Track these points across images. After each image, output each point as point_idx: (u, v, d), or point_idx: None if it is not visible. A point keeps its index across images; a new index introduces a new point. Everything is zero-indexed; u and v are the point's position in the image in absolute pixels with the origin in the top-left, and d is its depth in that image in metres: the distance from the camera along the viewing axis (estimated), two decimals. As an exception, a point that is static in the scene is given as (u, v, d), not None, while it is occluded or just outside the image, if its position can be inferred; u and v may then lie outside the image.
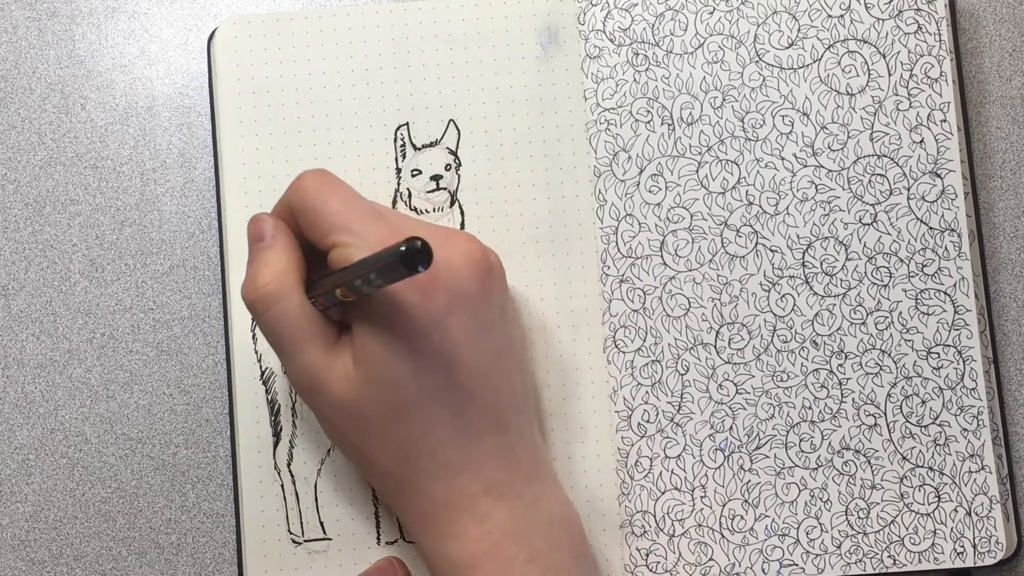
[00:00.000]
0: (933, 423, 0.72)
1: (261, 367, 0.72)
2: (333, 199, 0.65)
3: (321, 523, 0.71)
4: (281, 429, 0.72)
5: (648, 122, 0.74)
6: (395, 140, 0.74)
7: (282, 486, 0.71)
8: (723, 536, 0.72)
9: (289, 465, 0.72)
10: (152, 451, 0.74)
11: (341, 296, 0.63)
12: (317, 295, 0.65)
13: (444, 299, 0.63)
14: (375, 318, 0.63)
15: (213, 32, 0.75)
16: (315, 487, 0.72)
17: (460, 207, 0.73)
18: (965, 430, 0.72)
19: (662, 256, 0.73)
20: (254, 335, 0.72)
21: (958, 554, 0.72)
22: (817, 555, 0.71)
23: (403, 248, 0.57)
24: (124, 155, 0.76)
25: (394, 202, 0.73)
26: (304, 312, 0.65)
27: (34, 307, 0.75)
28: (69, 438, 0.74)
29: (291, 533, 0.71)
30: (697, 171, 0.74)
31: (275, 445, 0.72)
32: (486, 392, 0.65)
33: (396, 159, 0.74)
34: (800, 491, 0.72)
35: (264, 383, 0.72)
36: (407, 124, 0.74)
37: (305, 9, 0.77)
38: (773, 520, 0.72)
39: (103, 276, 0.75)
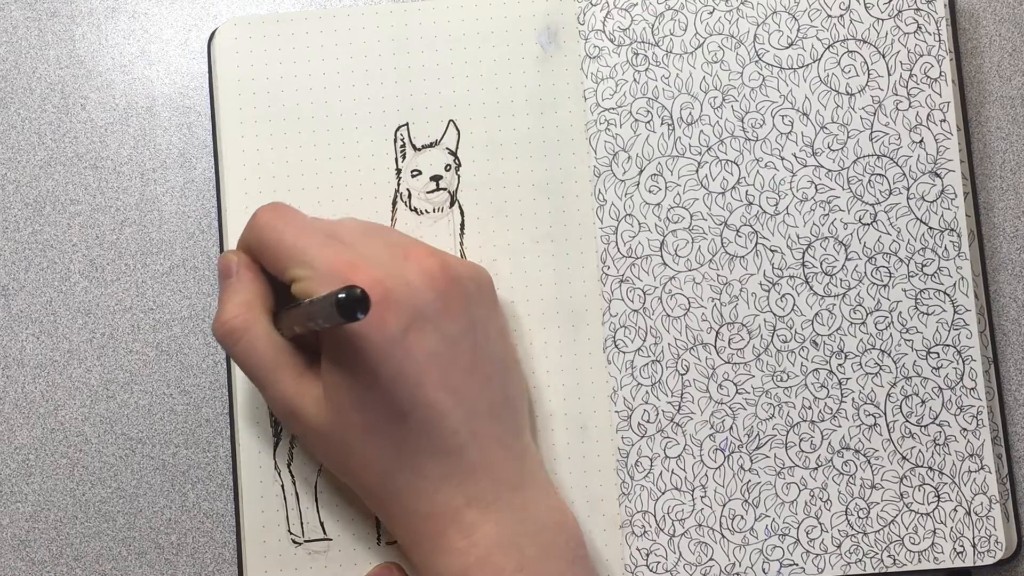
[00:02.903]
0: (933, 423, 0.72)
1: (261, 367, 0.72)
2: (287, 233, 0.66)
3: (321, 523, 0.71)
4: (281, 429, 0.72)
5: (648, 122, 0.74)
6: (395, 140, 0.74)
7: (282, 486, 0.72)
8: (723, 536, 0.72)
9: (289, 465, 0.72)
10: (152, 451, 0.74)
11: (300, 331, 0.65)
12: (280, 328, 0.66)
13: (401, 319, 0.63)
14: (337, 344, 0.63)
15: (213, 32, 0.75)
16: (315, 487, 0.72)
17: (460, 207, 0.73)
18: (964, 430, 0.72)
19: (662, 256, 0.73)
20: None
21: (957, 554, 0.72)
22: (817, 555, 0.71)
23: (341, 296, 0.58)
24: (124, 155, 0.76)
25: (394, 203, 0.73)
26: (272, 342, 0.66)
27: (34, 307, 0.75)
28: (69, 438, 0.74)
29: (291, 533, 0.71)
30: (697, 171, 0.74)
31: (275, 445, 0.72)
32: (459, 406, 0.65)
33: (396, 159, 0.74)
34: (800, 491, 0.72)
35: (264, 383, 0.72)
36: (407, 124, 0.74)
37: (305, 10, 0.77)
38: (773, 520, 0.72)
39: (103, 276, 0.75)
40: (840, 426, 0.72)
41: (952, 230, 0.73)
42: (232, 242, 0.72)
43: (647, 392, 0.73)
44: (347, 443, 0.65)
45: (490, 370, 0.66)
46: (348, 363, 0.63)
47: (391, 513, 0.66)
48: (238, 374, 0.72)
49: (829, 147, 0.74)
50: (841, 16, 0.74)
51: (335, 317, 0.59)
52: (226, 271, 0.68)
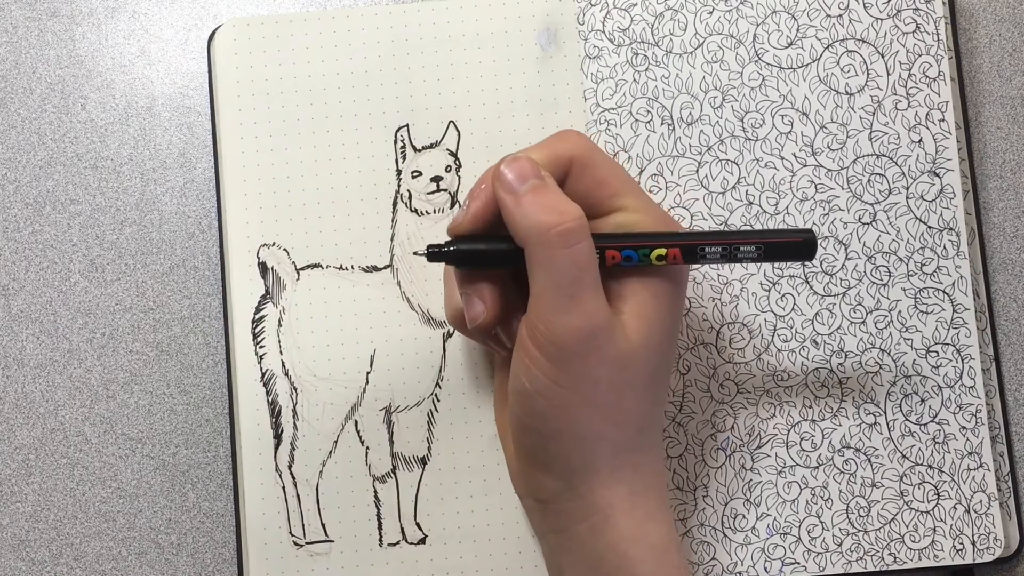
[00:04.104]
0: (932, 421, 0.73)
1: (262, 368, 0.72)
2: (616, 163, 0.66)
3: (323, 525, 0.71)
4: (282, 431, 0.72)
5: (648, 122, 0.74)
6: (395, 141, 0.74)
7: (283, 488, 0.72)
8: (725, 535, 0.72)
9: (290, 467, 0.72)
10: (152, 451, 0.74)
11: (610, 260, 0.64)
12: (609, 246, 0.64)
13: (686, 289, 0.66)
14: (657, 285, 0.64)
15: (213, 32, 0.75)
16: (316, 489, 0.72)
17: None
18: (964, 428, 0.72)
19: (662, 256, 0.73)
20: (255, 336, 0.72)
21: (957, 551, 0.72)
22: (819, 553, 0.72)
23: (807, 236, 0.64)
24: (124, 155, 0.76)
25: (394, 203, 0.73)
26: (596, 258, 0.63)
27: (34, 307, 0.75)
28: (69, 438, 0.74)
29: (293, 535, 0.71)
30: (697, 171, 0.74)
31: (276, 447, 0.72)
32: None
33: (396, 160, 0.74)
34: (801, 490, 0.72)
35: (265, 385, 0.72)
36: (407, 125, 0.74)
37: (305, 11, 0.77)
38: (775, 519, 0.72)
39: (103, 276, 0.75)
40: (840, 425, 0.72)
41: (951, 229, 0.73)
42: (232, 242, 0.72)
43: (648, 392, 0.73)
44: (644, 372, 0.64)
45: None
46: (664, 306, 0.64)
47: (619, 467, 0.64)
48: (239, 375, 0.72)
49: (829, 147, 0.74)
50: (840, 16, 0.75)
51: (788, 253, 0.64)
52: (525, 174, 0.64)
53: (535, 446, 0.64)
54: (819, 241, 0.73)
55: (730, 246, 0.63)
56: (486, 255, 0.65)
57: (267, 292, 0.73)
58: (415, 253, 0.73)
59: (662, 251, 0.63)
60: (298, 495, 0.72)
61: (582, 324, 0.62)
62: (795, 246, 0.64)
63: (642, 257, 0.63)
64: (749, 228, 0.70)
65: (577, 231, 0.62)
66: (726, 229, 0.70)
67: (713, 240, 0.64)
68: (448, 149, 0.74)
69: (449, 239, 0.65)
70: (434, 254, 0.65)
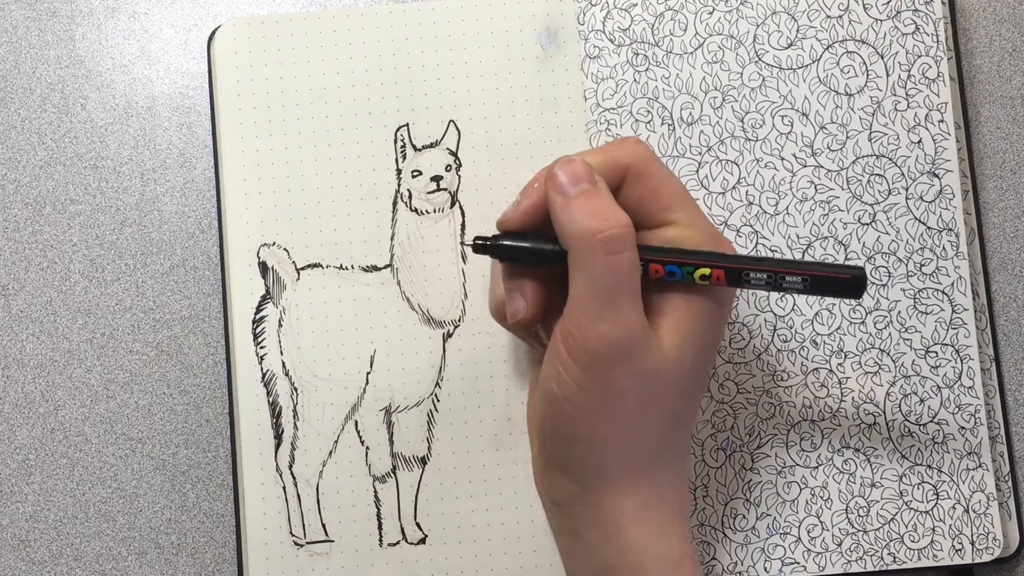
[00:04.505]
0: (931, 421, 0.73)
1: (262, 369, 0.72)
2: (673, 176, 0.66)
3: (323, 525, 0.71)
4: (282, 431, 0.72)
5: (648, 122, 0.74)
6: (395, 141, 0.74)
7: (284, 488, 0.72)
8: (725, 535, 0.72)
9: (291, 467, 0.72)
10: (152, 451, 0.74)
11: (653, 273, 0.64)
12: (654, 260, 0.64)
13: (731, 311, 0.66)
14: (699, 304, 0.64)
15: (213, 32, 0.75)
16: (316, 489, 0.72)
17: (461, 208, 0.73)
18: (963, 428, 0.73)
19: (662, 256, 0.73)
20: (255, 336, 0.72)
21: (956, 551, 0.72)
22: (818, 553, 0.72)
23: (857, 274, 0.63)
24: (124, 155, 0.76)
25: (395, 203, 0.73)
26: (638, 269, 0.63)
27: (34, 307, 0.75)
28: (69, 438, 0.74)
29: (293, 535, 0.71)
30: (697, 171, 0.74)
31: (276, 447, 0.72)
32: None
33: (396, 160, 0.74)
34: (801, 490, 0.72)
35: (265, 385, 0.72)
36: (407, 125, 0.74)
37: (305, 11, 0.77)
38: (774, 519, 0.72)
39: (103, 276, 0.75)
40: (840, 425, 0.72)
41: (950, 230, 0.74)
42: (232, 242, 0.72)
43: (648, 392, 0.73)
44: (673, 389, 0.63)
45: None
46: (704, 325, 0.64)
47: (642, 480, 0.64)
48: (239, 376, 0.72)
49: (828, 147, 0.74)
50: (840, 17, 0.75)
51: (834, 288, 0.63)
52: (578, 176, 0.63)
53: (556, 447, 0.65)
54: (820, 242, 0.73)
55: (776, 274, 0.63)
56: (530, 253, 0.65)
57: (267, 292, 0.73)
58: (461, 243, 0.73)
59: (706, 271, 0.63)
60: (298, 495, 0.72)
61: (616, 333, 0.61)
62: (843, 283, 0.63)
63: (685, 275, 0.63)
64: (799, 259, 0.69)
65: (621, 239, 0.62)
66: (775, 257, 0.69)
67: (760, 267, 0.63)
68: (448, 149, 0.74)
69: (497, 233, 0.65)
70: (480, 246, 0.66)
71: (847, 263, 0.73)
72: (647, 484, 0.64)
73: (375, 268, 0.73)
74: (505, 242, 0.65)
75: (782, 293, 0.70)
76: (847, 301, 0.73)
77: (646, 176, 0.65)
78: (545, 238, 0.65)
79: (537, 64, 0.75)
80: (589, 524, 0.64)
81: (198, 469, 0.74)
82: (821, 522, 0.72)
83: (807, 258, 0.73)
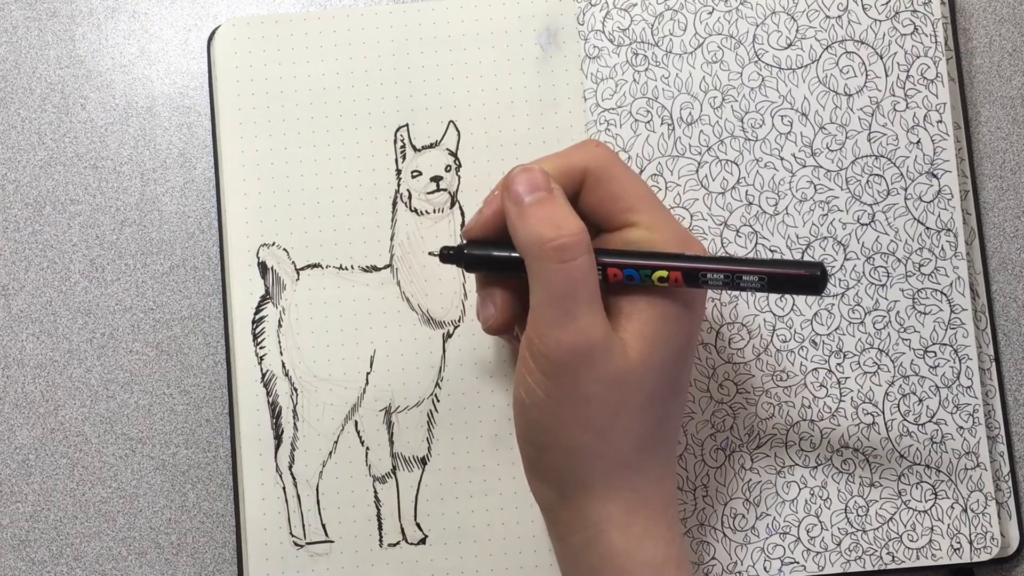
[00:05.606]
0: (930, 421, 0.73)
1: (262, 369, 0.72)
2: (636, 177, 0.65)
3: (323, 525, 0.71)
4: (282, 432, 0.72)
5: (648, 122, 0.74)
6: (395, 141, 0.74)
7: (283, 488, 0.72)
8: (725, 535, 0.72)
9: (291, 467, 0.72)
10: (152, 451, 0.74)
11: (612, 277, 0.63)
12: (611, 264, 0.64)
13: (703, 313, 0.66)
14: (665, 306, 0.63)
15: (213, 32, 0.75)
16: (316, 489, 0.72)
17: (460, 208, 0.73)
18: (961, 428, 0.73)
19: (662, 256, 0.73)
20: (254, 336, 0.72)
21: (955, 550, 0.72)
22: (818, 553, 0.72)
23: (817, 272, 0.61)
24: (124, 155, 0.76)
25: (394, 203, 0.73)
26: (595, 274, 0.63)
27: (34, 307, 0.75)
28: (69, 438, 0.74)
29: (293, 536, 0.71)
30: (697, 171, 0.74)
31: (276, 447, 0.72)
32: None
33: (396, 160, 0.74)
34: (800, 489, 0.72)
35: (265, 385, 0.72)
36: (407, 125, 0.74)
37: (305, 11, 0.77)
38: (774, 518, 0.72)
39: (103, 276, 0.75)
40: (839, 425, 0.73)
41: (949, 230, 0.74)
42: (232, 242, 0.72)
43: (648, 392, 0.73)
44: (641, 393, 0.63)
45: None
46: (673, 322, 0.63)
47: (619, 486, 0.64)
48: (239, 376, 0.72)
49: (828, 147, 0.74)
50: (839, 17, 0.75)
51: (791, 286, 0.62)
52: (535, 184, 0.63)
53: (532, 454, 0.65)
54: (819, 242, 0.73)
55: (732, 274, 0.63)
56: (494, 261, 0.65)
57: (267, 292, 0.73)
58: (430, 253, 0.73)
59: (663, 273, 0.63)
60: (298, 495, 0.72)
61: (574, 340, 0.61)
62: (801, 279, 0.62)
63: (644, 277, 0.63)
64: (758, 258, 0.69)
65: (572, 247, 0.61)
66: (732, 256, 0.69)
67: (716, 267, 0.63)
68: (448, 149, 0.74)
69: (463, 242, 0.66)
70: (446, 255, 0.66)
71: (806, 260, 0.73)
72: (628, 488, 0.64)
73: (375, 268, 0.73)
74: (470, 251, 0.66)
75: (742, 292, 0.70)
76: (847, 301, 0.73)
77: (605, 179, 0.65)
78: (509, 246, 0.65)
79: (537, 64, 0.75)
80: (572, 529, 0.64)
81: (198, 469, 0.74)
82: (820, 522, 0.72)
83: (806, 258, 0.73)
